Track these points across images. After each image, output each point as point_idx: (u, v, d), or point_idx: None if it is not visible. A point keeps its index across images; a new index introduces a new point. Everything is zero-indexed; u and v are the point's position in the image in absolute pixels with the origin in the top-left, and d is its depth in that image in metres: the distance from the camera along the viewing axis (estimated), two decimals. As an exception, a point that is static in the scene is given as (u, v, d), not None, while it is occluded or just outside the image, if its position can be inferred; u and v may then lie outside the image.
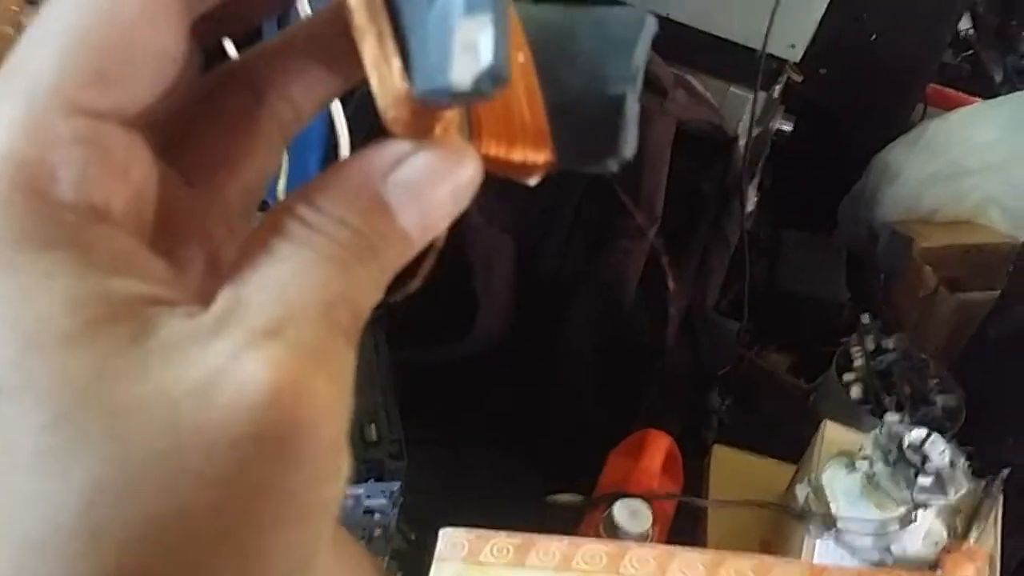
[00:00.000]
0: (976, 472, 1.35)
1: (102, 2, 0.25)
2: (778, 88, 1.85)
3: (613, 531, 1.35)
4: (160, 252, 0.26)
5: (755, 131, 1.73)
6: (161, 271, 0.25)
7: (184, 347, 0.23)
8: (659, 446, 1.46)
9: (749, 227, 1.78)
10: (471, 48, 0.24)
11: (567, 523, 1.44)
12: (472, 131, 0.28)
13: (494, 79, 0.24)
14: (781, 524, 1.41)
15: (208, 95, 0.31)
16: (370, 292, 0.26)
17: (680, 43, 1.68)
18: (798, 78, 1.83)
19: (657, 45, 1.19)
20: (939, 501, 1.28)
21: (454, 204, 0.27)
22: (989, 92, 2.29)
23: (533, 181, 0.29)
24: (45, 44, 0.24)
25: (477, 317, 1.55)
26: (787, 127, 1.93)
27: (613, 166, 0.29)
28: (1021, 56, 2.39)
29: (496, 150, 0.28)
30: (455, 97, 0.24)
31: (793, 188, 2.16)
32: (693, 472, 1.53)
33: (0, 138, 0.24)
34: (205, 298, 0.25)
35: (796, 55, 1.70)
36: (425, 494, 1.47)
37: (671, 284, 1.56)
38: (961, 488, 1.28)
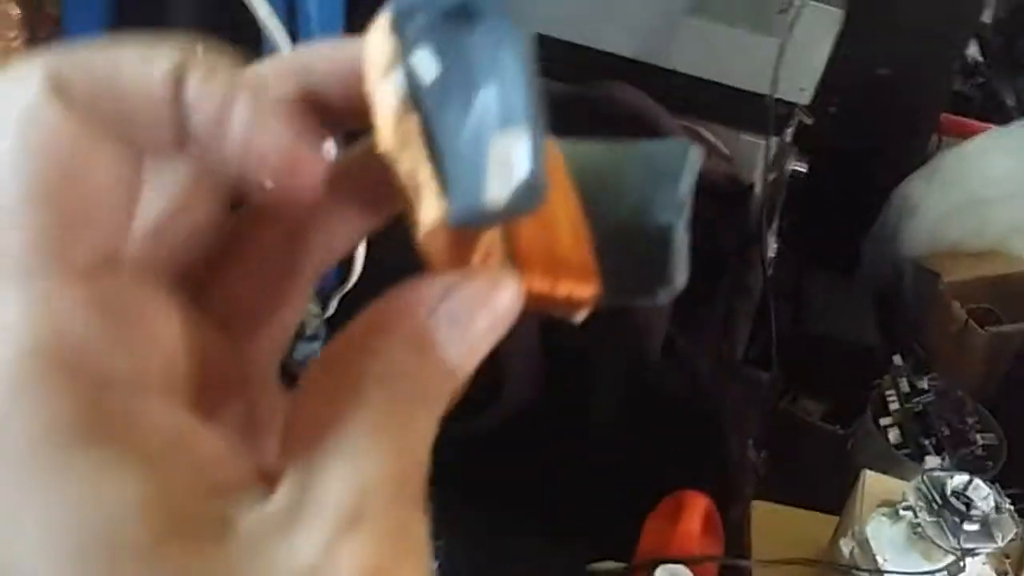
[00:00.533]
0: (1022, 513, 1.32)
1: (45, 145, 0.23)
2: (790, 131, 1.84)
3: (657, 598, 1.32)
4: (202, 416, 0.25)
5: (770, 176, 1.72)
6: (214, 445, 0.23)
7: (266, 547, 0.21)
8: (697, 507, 1.44)
9: (771, 273, 1.76)
10: (506, 163, 0.23)
11: (609, 591, 1.42)
12: (515, 267, 0.27)
13: (532, 192, 0.23)
14: (828, 580, 1.38)
15: (241, 234, 0.29)
16: (428, 441, 0.24)
17: (688, 94, 1.68)
18: (809, 120, 1.82)
19: (665, 97, 1.17)
20: (987, 548, 1.26)
21: (496, 332, 0.26)
22: (1003, 117, 2.28)
23: (579, 317, 0.29)
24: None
25: (504, 388, 1.54)
26: (802, 169, 1.92)
27: (664, 298, 0.28)
28: (1031, 78, 2.39)
29: (540, 286, 0.27)
30: (492, 217, 0.24)
31: (813, 229, 2.15)
32: (733, 528, 1.50)
33: (12, 319, 0.22)
34: (261, 470, 0.23)
35: (806, 98, 1.69)
36: (463, 570, 1.45)
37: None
38: (1009, 532, 1.26)
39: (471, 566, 1.53)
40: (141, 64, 0.24)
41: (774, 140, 1.71)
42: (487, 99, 0.23)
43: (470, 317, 0.25)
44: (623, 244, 0.28)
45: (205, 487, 0.22)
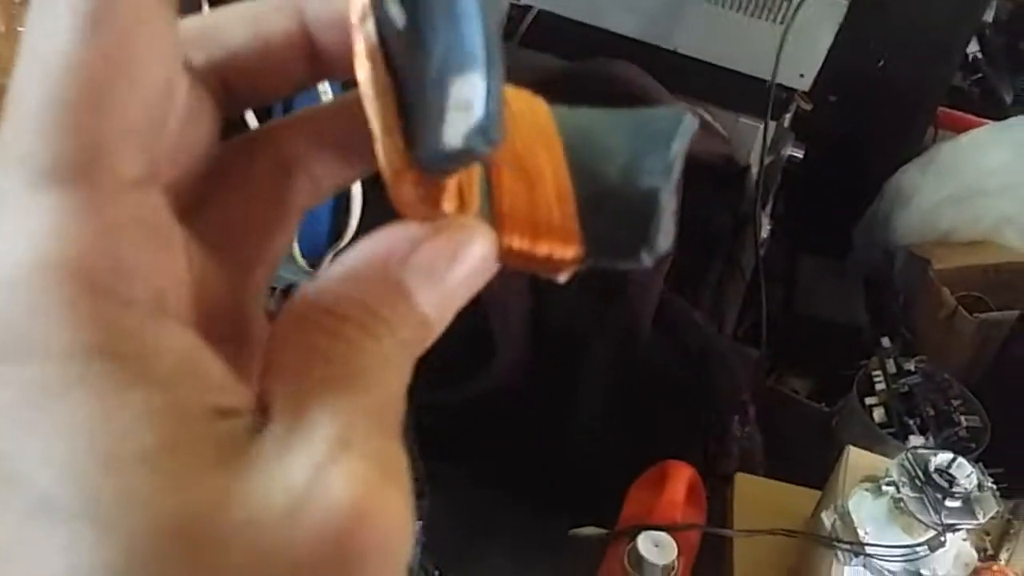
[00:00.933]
0: (1004, 493, 1.34)
1: (86, 37, 0.22)
2: (788, 117, 1.85)
3: (638, 564, 1.34)
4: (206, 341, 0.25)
5: (767, 160, 1.73)
6: (219, 369, 0.24)
7: (264, 468, 0.22)
8: (681, 477, 1.45)
9: (763, 254, 1.78)
10: (463, 107, 0.24)
11: (591, 557, 1.43)
12: (495, 224, 0.27)
13: (485, 134, 0.24)
14: (809, 552, 1.40)
15: (232, 163, 0.29)
16: (403, 383, 0.25)
17: (689, 76, 1.69)
18: (807, 106, 1.84)
19: (666, 78, 1.19)
20: (968, 524, 1.27)
21: (470, 284, 0.27)
22: (1000, 114, 2.30)
23: (562, 277, 0.29)
24: (33, 105, 0.22)
25: (494, 357, 1.55)
26: (798, 154, 1.93)
27: (647, 260, 0.28)
28: (1029, 77, 2.40)
29: (520, 243, 0.28)
30: (451, 159, 0.24)
31: (807, 214, 2.16)
32: (716, 501, 1.52)
33: (38, 224, 0.22)
34: (256, 396, 0.24)
35: (806, 84, 1.71)
36: (447, 532, 1.46)
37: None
38: (990, 510, 1.27)
39: (456, 529, 1.54)
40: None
41: (772, 124, 1.72)
42: (446, 46, 0.24)
43: (443, 269, 0.26)
44: (609, 206, 0.28)
45: (211, 409, 0.23)
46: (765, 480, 1.56)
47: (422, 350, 0.26)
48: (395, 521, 0.23)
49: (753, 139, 1.74)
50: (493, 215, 0.27)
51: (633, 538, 1.35)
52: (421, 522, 1.40)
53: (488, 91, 0.23)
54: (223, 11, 0.28)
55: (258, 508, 0.22)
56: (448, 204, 0.26)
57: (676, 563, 1.34)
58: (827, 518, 1.34)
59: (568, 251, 0.28)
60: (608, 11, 1.70)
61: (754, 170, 1.72)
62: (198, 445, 0.22)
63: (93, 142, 0.22)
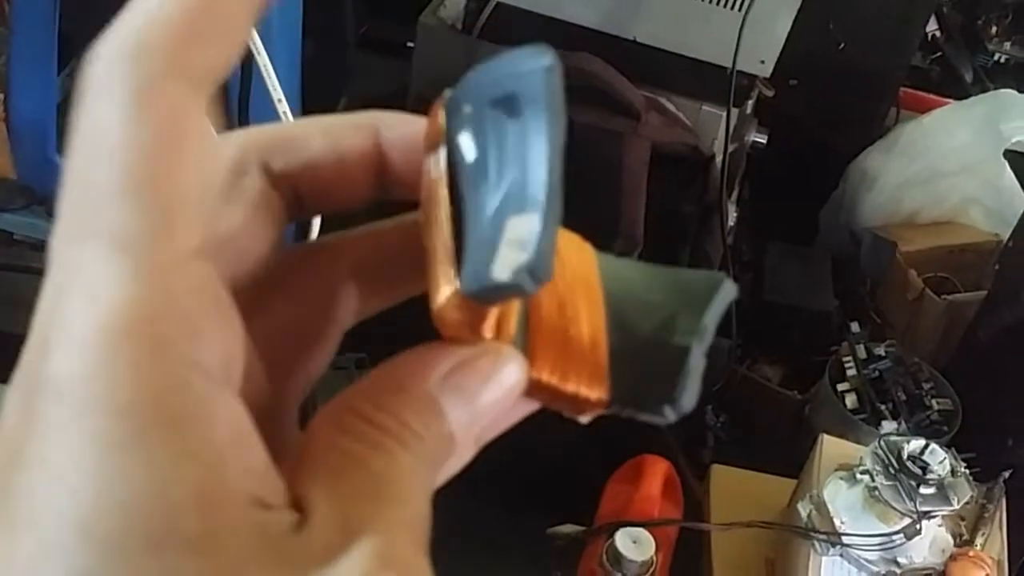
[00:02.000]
0: (977, 477, 1.34)
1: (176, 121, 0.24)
2: (750, 103, 1.85)
3: (616, 560, 1.34)
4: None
5: (731, 147, 1.73)
6: (263, 458, 0.24)
7: (313, 571, 0.23)
8: (657, 471, 1.45)
9: (731, 242, 1.77)
10: (516, 244, 0.24)
11: (568, 555, 1.43)
12: (528, 356, 0.28)
13: (533, 273, 0.24)
14: (786, 542, 1.40)
15: (289, 270, 0.30)
16: (428, 497, 0.26)
17: (650, 65, 1.68)
18: (769, 92, 1.83)
19: (627, 68, 1.18)
20: (943, 510, 1.28)
21: (497, 407, 0.27)
22: (961, 92, 2.31)
23: (585, 419, 0.30)
24: (115, 174, 0.23)
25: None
26: (762, 140, 1.93)
27: (670, 416, 0.29)
28: (989, 54, 2.41)
29: (549, 378, 0.28)
30: (496, 292, 0.25)
31: (773, 200, 2.16)
32: (693, 493, 1.52)
33: (111, 289, 0.22)
34: (289, 493, 0.25)
35: (766, 70, 1.70)
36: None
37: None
38: (964, 496, 1.28)
39: (431, 527, 1.53)
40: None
41: (735, 112, 1.72)
42: (512, 184, 0.25)
43: (475, 390, 0.27)
44: (640, 359, 0.29)
45: (254, 499, 0.23)
46: (741, 471, 1.56)
47: (442, 467, 0.27)
48: None
49: (716, 127, 1.73)
50: (527, 348, 0.28)
51: (611, 535, 1.35)
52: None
53: (543, 233, 0.24)
54: (306, 122, 0.30)
55: None
56: (488, 331, 0.27)
57: (655, 559, 1.34)
58: (803, 508, 1.34)
59: (594, 393, 0.29)
60: (566, 2, 1.68)
61: (718, 158, 1.71)
62: (243, 535, 0.22)
63: (156, 210, 0.23)
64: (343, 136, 0.29)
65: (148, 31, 0.24)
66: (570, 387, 0.29)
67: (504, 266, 0.24)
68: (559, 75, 0.25)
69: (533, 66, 0.25)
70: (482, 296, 0.25)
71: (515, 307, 0.28)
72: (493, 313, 0.27)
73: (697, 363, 0.29)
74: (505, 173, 0.25)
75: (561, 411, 0.30)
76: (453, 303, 0.26)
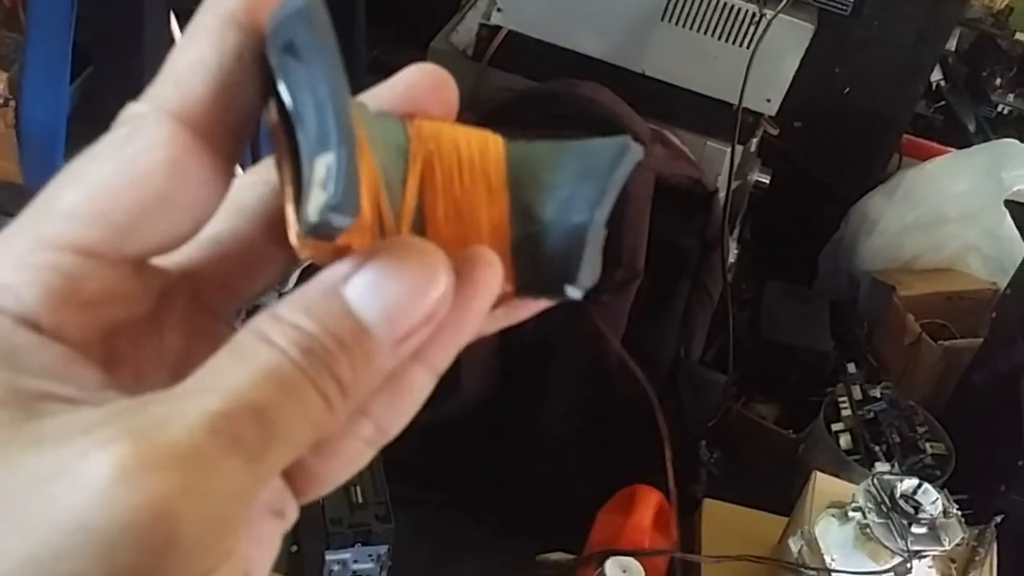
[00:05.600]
0: (969, 520, 1.34)
1: (125, 155, 0.27)
2: (755, 141, 1.86)
3: (606, 590, 1.33)
4: (129, 375, 0.28)
5: (734, 184, 1.74)
6: (93, 380, 0.26)
7: (59, 439, 0.24)
8: (649, 501, 1.45)
9: (731, 279, 1.78)
10: (319, 185, 0.25)
11: (558, 583, 1.42)
12: None
13: (338, 210, 0.25)
14: (775, 578, 1.39)
15: (162, 309, 0.31)
16: (309, 407, 0.25)
17: (657, 98, 1.69)
18: (774, 131, 1.84)
19: (634, 100, 1.18)
20: (934, 550, 1.27)
21: (411, 301, 0.26)
22: (963, 142, 2.32)
23: (495, 312, 0.30)
24: (66, 187, 0.27)
25: (460, 378, 1.54)
26: (765, 180, 1.94)
27: (574, 294, 0.28)
28: (992, 105, 2.42)
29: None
30: (314, 231, 0.25)
31: (773, 240, 2.17)
32: (684, 526, 1.51)
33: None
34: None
35: (772, 109, 1.72)
36: (413, 555, 1.44)
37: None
38: (956, 537, 1.28)
39: (422, 552, 1.53)
40: None
41: (739, 148, 1.73)
42: (311, 125, 0.26)
43: (387, 282, 0.26)
44: (542, 242, 0.29)
45: (40, 393, 0.25)
46: (733, 506, 1.55)
47: (371, 378, 0.27)
48: (178, 518, 0.24)
49: (720, 163, 1.74)
50: None
51: (601, 563, 1.34)
52: (388, 545, 1.38)
53: (339, 170, 0.25)
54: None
55: (32, 468, 0.23)
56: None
57: (643, 589, 1.33)
58: (794, 544, 1.34)
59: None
60: (577, 33, 1.70)
61: (721, 194, 1.72)
62: (5, 411, 0.24)
63: (57, 211, 0.27)
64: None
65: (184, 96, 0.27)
66: None
67: (314, 207, 0.25)
68: (319, 11, 0.26)
69: (292, 8, 0.26)
70: (313, 235, 0.26)
71: (407, 216, 0.28)
72: (350, 243, 0.27)
73: (594, 237, 0.28)
74: (305, 115, 0.26)
75: None
76: (301, 243, 0.27)
